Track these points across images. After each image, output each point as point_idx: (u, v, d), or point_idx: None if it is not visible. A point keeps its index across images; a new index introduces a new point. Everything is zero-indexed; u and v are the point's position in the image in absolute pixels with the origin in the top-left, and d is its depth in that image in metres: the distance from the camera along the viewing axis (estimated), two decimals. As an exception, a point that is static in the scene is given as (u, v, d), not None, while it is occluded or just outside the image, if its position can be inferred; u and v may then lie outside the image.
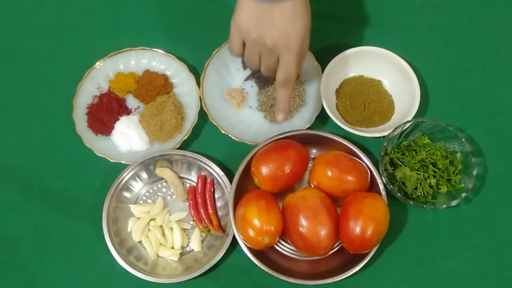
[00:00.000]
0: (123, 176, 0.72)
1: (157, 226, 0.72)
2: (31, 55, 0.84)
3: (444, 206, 0.67)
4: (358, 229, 0.63)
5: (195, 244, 0.71)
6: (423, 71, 0.80)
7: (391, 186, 0.68)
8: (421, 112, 0.76)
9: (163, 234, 0.72)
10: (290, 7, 0.60)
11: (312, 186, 0.71)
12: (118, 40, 0.82)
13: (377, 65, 0.78)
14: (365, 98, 0.77)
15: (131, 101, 0.79)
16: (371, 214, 0.63)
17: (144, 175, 0.74)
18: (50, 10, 0.87)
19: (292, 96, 0.70)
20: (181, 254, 0.71)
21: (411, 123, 0.71)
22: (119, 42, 0.81)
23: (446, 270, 0.70)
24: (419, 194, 0.69)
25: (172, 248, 0.72)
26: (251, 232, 0.64)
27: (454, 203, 0.67)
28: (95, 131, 0.75)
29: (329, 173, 0.68)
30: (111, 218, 0.71)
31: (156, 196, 0.75)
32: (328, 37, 0.83)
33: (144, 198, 0.75)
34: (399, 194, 0.68)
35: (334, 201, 0.68)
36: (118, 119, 0.76)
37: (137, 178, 0.74)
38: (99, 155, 0.73)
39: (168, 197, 0.74)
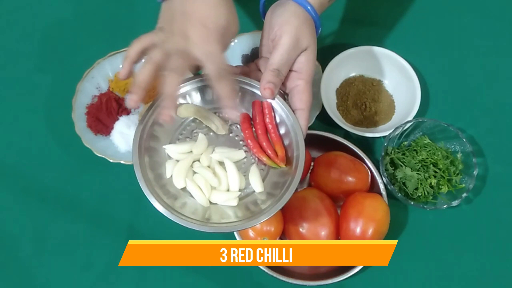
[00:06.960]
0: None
1: (204, 166, 0.58)
2: (30, 55, 0.83)
3: (445, 206, 0.67)
4: (358, 230, 0.63)
5: (256, 184, 0.57)
6: (424, 71, 0.79)
7: (392, 186, 0.68)
8: (421, 112, 0.76)
9: (214, 174, 0.57)
10: None
11: (312, 186, 0.71)
12: (117, 39, 0.81)
13: (378, 65, 0.78)
14: (366, 98, 0.77)
15: (131, 101, 0.79)
16: (372, 215, 0.63)
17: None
18: (50, 10, 0.86)
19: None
20: (240, 199, 0.57)
21: (411, 123, 0.71)
22: (118, 42, 0.80)
23: (447, 270, 0.69)
24: (420, 194, 0.69)
25: (228, 191, 0.57)
26: (251, 233, 0.63)
27: (455, 203, 0.67)
28: (94, 131, 0.75)
29: (330, 174, 0.67)
30: (147, 164, 0.56)
31: (195, 134, 0.60)
32: (328, 37, 0.83)
33: (180, 137, 0.61)
34: (399, 194, 0.68)
35: (334, 201, 0.68)
36: (118, 119, 0.76)
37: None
38: (99, 155, 0.72)
39: (207, 135, 0.60)
